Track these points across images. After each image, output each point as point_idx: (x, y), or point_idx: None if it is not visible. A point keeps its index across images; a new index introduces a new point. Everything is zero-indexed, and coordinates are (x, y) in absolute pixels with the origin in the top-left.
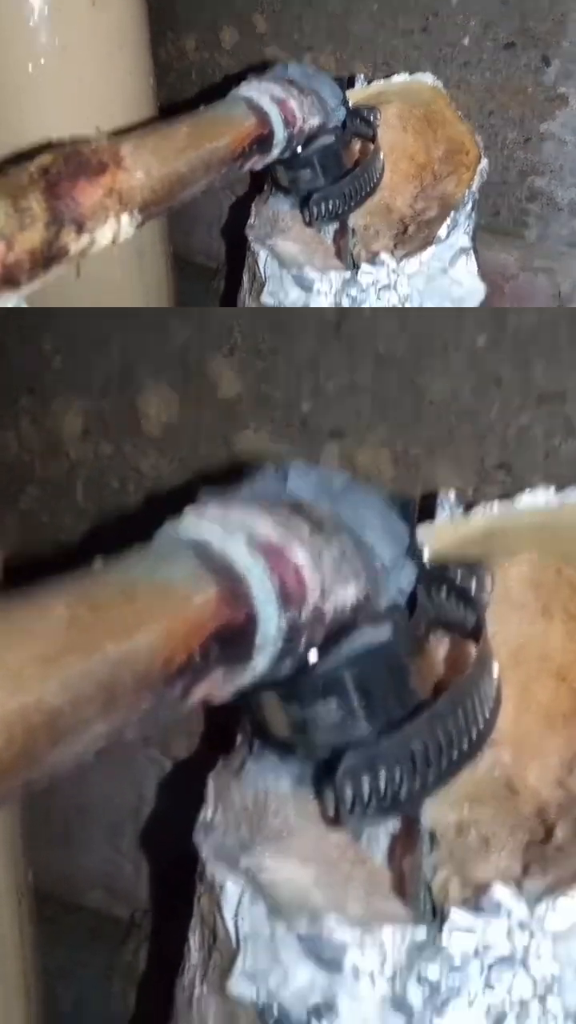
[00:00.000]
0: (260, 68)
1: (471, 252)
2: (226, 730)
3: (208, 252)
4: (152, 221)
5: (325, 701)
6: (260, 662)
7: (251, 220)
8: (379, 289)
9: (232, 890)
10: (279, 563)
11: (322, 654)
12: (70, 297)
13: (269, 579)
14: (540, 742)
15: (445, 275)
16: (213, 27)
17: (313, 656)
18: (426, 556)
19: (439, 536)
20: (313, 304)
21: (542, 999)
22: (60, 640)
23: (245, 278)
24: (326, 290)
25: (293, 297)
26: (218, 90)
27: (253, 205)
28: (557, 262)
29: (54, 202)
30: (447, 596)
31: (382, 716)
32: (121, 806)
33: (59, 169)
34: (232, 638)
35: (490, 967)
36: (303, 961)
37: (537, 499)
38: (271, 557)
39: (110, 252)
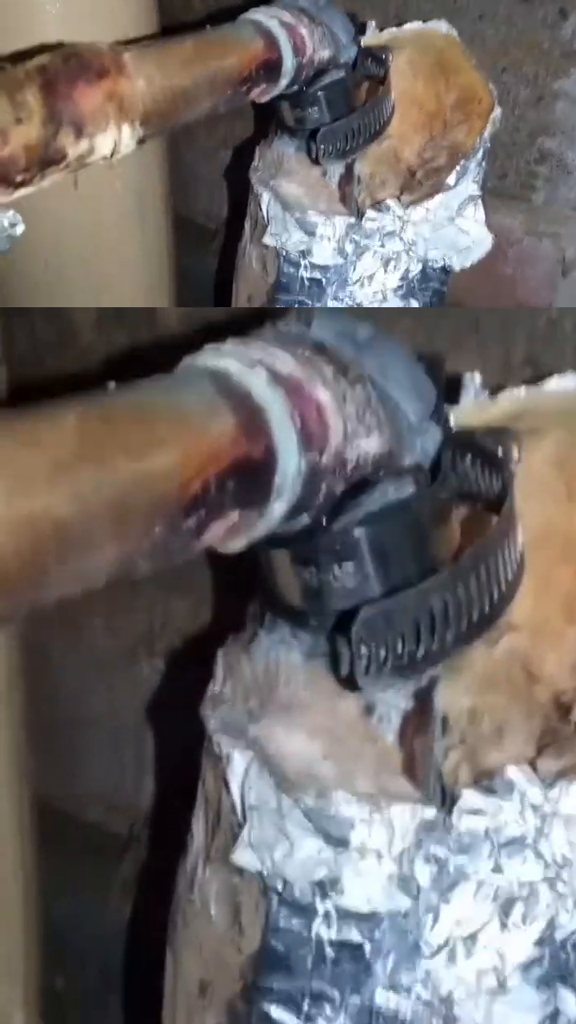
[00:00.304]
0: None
1: (479, 201)
2: None
3: (208, 213)
4: (154, 180)
5: (340, 564)
6: (277, 508)
7: (255, 163)
8: (384, 235)
9: (239, 760)
10: (300, 400)
11: (340, 510)
12: (72, 252)
13: (290, 415)
14: (560, 629)
15: (452, 224)
16: None
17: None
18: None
19: (463, 418)
20: (316, 249)
21: (552, 883)
22: (71, 449)
23: (247, 226)
24: (329, 235)
25: (295, 239)
26: (222, 19)
27: (257, 149)
28: (563, 227)
29: (52, 100)
30: (472, 463)
31: (399, 582)
32: (124, 718)
33: (58, 68)
34: (250, 473)
35: (500, 849)
36: (309, 835)
37: (566, 382)
38: (292, 393)
39: (118, 209)
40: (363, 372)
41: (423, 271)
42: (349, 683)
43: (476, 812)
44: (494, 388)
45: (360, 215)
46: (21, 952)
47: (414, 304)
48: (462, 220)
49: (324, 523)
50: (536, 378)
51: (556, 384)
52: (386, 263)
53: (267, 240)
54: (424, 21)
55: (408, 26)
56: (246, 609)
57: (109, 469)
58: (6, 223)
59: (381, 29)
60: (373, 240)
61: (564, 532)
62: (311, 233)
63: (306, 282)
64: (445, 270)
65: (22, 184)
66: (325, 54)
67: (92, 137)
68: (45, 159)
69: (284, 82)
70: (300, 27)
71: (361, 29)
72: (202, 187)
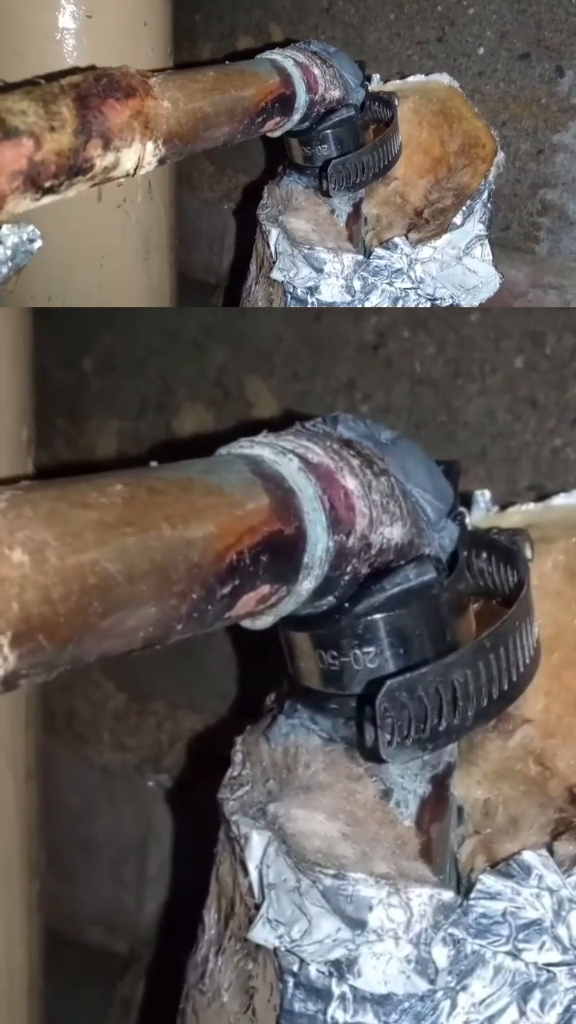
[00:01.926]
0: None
1: (486, 241)
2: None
3: (208, 267)
4: (159, 227)
5: (361, 649)
6: (306, 585)
7: (263, 200)
8: (392, 273)
9: (257, 840)
10: (330, 486)
11: (363, 594)
12: (77, 284)
13: (320, 499)
14: (571, 726)
15: (460, 263)
16: (230, 35)
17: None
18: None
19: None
20: (323, 285)
21: (570, 967)
22: (119, 513)
23: (252, 267)
24: (337, 272)
25: (303, 275)
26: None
27: (266, 188)
28: (568, 279)
29: (84, 112)
30: (488, 560)
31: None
32: (127, 840)
33: (90, 85)
34: (282, 549)
35: (518, 932)
36: (327, 914)
37: (572, 499)
38: (322, 479)
39: (123, 244)
40: (387, 468)
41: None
42: (373, 755)
43: (494, 895)
44: (503, 504)
45: (368, 253)
46: None
47: None
48: (469, 259)
49: (347, 606)
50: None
51: (563, 499)
52: (395, 300)
53: (275, 275)
54: (426, 75)
55: (411, 79)
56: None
57: (153, 533)
58: (25, 237)
59: (385, 81)
60: (381, 278)
61: (573, 636)
62: (319, 270)
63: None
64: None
65: (50, 190)
66: (335, 94)
67: (118, 151)
68: (74, 167)
69: (297, 117)
70: (313, 67)
71: (366, 79)
72: (203, 242)
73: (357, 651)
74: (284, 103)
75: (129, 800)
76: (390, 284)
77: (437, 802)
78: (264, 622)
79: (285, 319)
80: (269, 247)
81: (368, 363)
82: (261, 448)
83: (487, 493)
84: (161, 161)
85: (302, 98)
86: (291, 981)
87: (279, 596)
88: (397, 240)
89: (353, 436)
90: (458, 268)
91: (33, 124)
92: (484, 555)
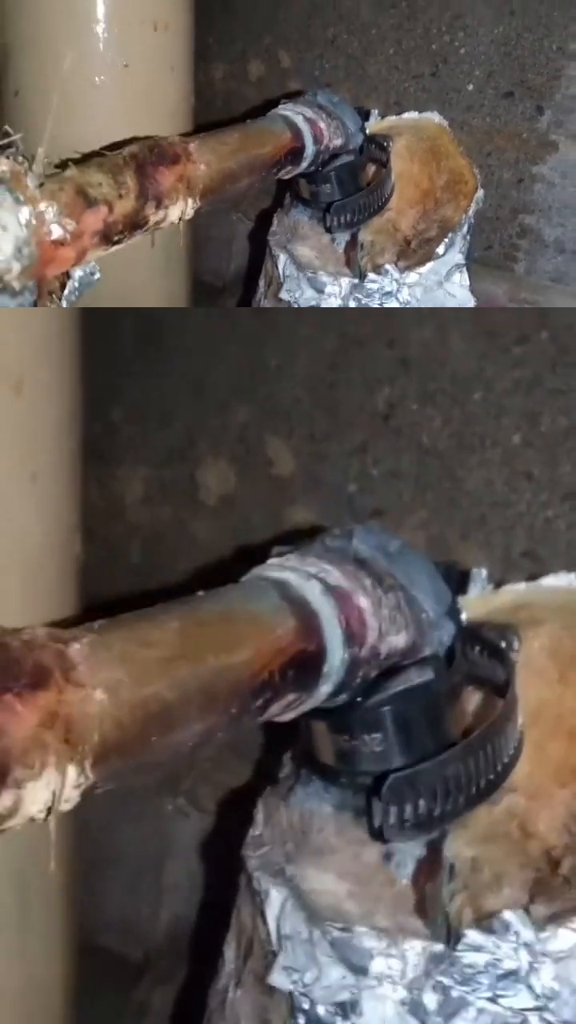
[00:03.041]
0: (290, 96)
1: (464, 268)
2: (249, 789)
3: (216, 272)
4: (176, 239)
5: (369, 734)
6: (324, 690)
7: (273, 228)
8: (383, 295)
9: (276, 896)
10: (346, 606)
11: (373, 691)
12: (105, 292)
13: (338, 618)
14: (551, 793)
15: (441, 287)
16: (242, 59)
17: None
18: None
19: (471, 607)
20: (324, 305)
21: (540, 1012)
22: (174, 648)
23: (261, 284)
24: (336, 292)
25: (307, 296)
26: (241, 120)
27: (275, 216)
28: (542, 295)
29: (142, 179)
30: (480, 653)
31: (417, 752)
32: (144, 852)
33: (145, 156)
34: (305, 664)
35: (497, 981)
36: (335, 963)
37: (560, 581)
38: (340, 601)
39: (148, 262)
40: (395, 580)
41: None
42: (378, 835)
43: (477, 948)
44: (498, 582)
45: (363, 277)
46: None
47: None
48: (449, 284)
49: (359, 700)
50: (533, 569)
51: (551, 581)
52: None
53: (283, 295)
54: (419, 111)
55: (406, 115)
56: (260, 766)
57: (202, 663)
58: (88, 271)
59: (383, 116)
60: (373, 299)
61: (556, 710)
62: (320, 291)
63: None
64: None
65: (117, 242)
66: (338, 142)
67: (167, 208)
68: (135, 224)
69: (305, 164)
70: (319, 121)
71: (366, 116)
72: (211, 248)
73: (366, 736)
74: (295, 155)
75: (148, 819)
76: (381, 304)
77: (432, 863)
78: (287, 718)
79: (302, 383)
80: (278, 269)
81: (379, 431)
82: (289, 573)
83: (483, 572)
84: (197, 211)
85: (310, 149)
86: (302, 1018)
87: (301, 700)
88: (388, 267)
89: (366, 548)
90: (439, 292)
91: (107, 193)
92: (477, 648)
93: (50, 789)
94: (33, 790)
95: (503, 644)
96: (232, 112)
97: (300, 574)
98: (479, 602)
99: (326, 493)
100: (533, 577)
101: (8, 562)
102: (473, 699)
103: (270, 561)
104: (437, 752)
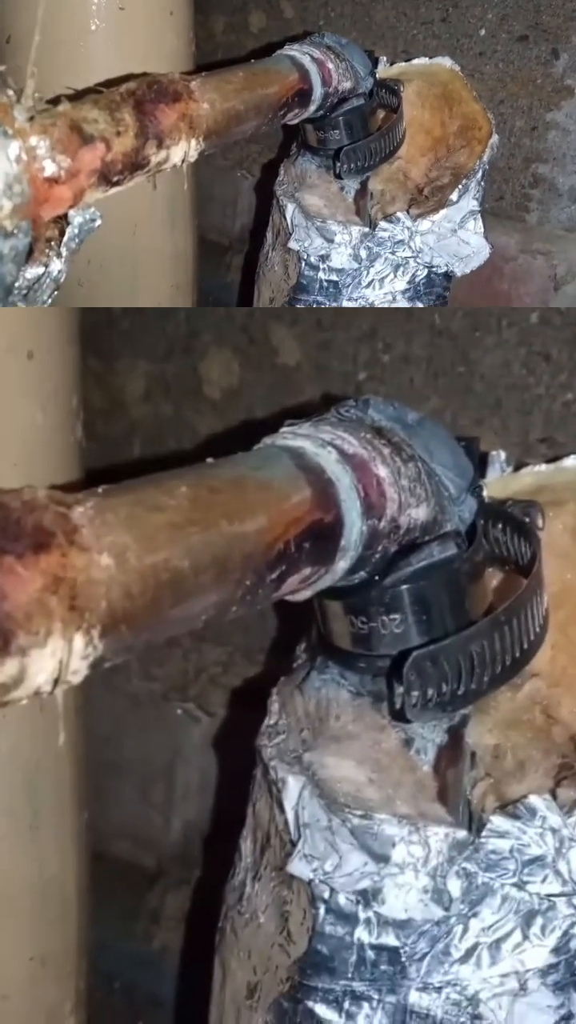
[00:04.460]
0: (294, 40)
1: (479, 215)
2: (259, 691)
3: (221, 229)
4: (182, 196)
5: (388, 615)
6: (342, 565)
7: (280, 177)
8: (394, 244)
9: (293, 784)
10: (364, 475)
11: (391, 568)
12: (113, 249)
13: (355, 488)
14: (574, 678)
15: (455, 235)
16: (242, 10)
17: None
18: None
19: (490, 491)
20: (334, 254)
21: (569, 898)
22: (184, 513)
23: (268, 235)
24: (346, 242)
25: (316, 245)
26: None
27: (282, 166)
28: (555, 245)
29: (141, 116)
30: (503, 530)
31: (439, 632)
32: (154, 758)
33: (144, 92)
34: (322, 535)
35: (523, 867)
36: (355, 850)
37: None
38: (358, 469)
39: (152, 215)
40: (415, 452)
41: (428, 276)
42: (399, 716)
43: (503, 834)
44: (517, 464)
45: (373, 226)
46: (73, 966)
47: (419, 305)
48: (464, 232)
49: (377, 579)
50: (551, 455)
51: (573, 461)
52: (396, 268)
53: (291, 244)
54: (430, 57)
55: (416, 61)
56: (270, 668)
57: (214, 530)
58: (88, 217)
59: (391, 63)
60: (385, 248)
61: None
62: (330, 240)
63: (324, 284)
64: (447, 276)
65: (116, 183)
66: (347, 85)
67: (169, 148)
68: (135, 164)
69: (313, 107)
70: (328, 62)
71: (374, 62)
72: (216, 205)
73: (384, 617)
74: (302, 97)
75: (157, 726)
76: (392, 253)
77: (453, 749)
78: (303, 596)
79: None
80: (286, 219)
81: (388, 314)
82: (303, 440)
83: (502, 454)
84: (201, 153)
85: (318, 91)
86: (323, 907)
87: (318, 575)
88: (399, 214)
89: (383, 420)
90: (453, 240)
91: (104, 130)
92: (500, 526)
93: (56, 658)
94: (39, 658)
95: (527, 520)
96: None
97: (315, 441)
98: (498, 484)
99: (334, 382)
100: (554, 459)
101: (4, 445)
102: (494, 580)
103: (282, 430)
104: (459, 631)
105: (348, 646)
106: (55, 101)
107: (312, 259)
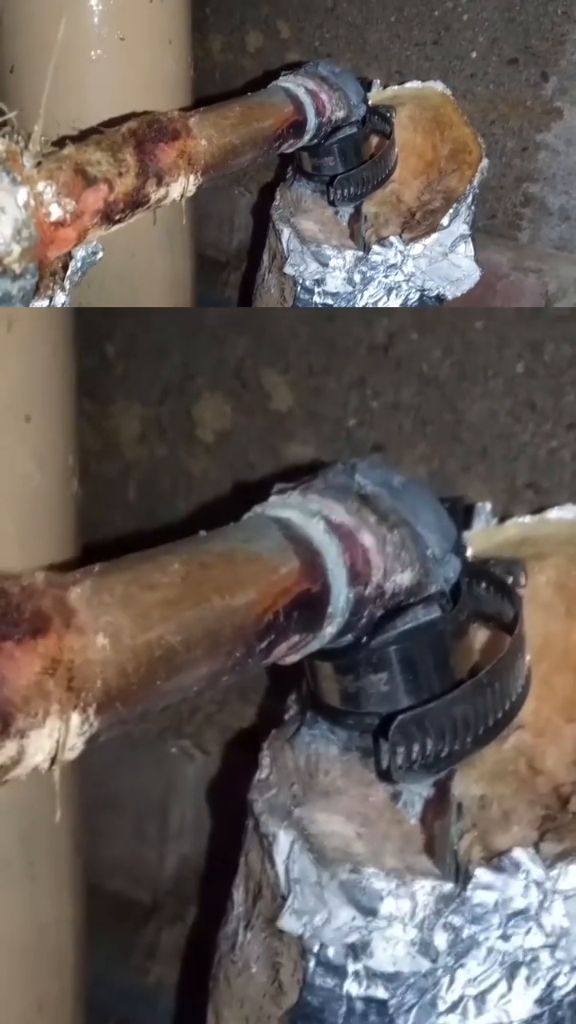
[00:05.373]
0: (289, 68)
1: (469, 239)
2: (254, 730)
3: (218, 246)
4: (178, 216)
5: (375, 674)
6: (329, 631)
7: (276, 202)
8: (387, 267)
9: (284, 839)
10: (351, 544)
11: (378, 631)
12: (112, 270)
13: (342, 557)
14: (558, 729)
15: (446, 258)
16: (240, 30)
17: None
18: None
19: (475, 542)
20: (328, 278)
21: (551, 950)
22: (177, 590)
23: (265, 257)
24: (340, 266)
25: (312, 270)
26: (239, 93)
27: (277, 190)
28: (546, 263)
29: (142, 157)
30: (487, 589)
31: (424, 691)
32: (148, 799)
33: (145, 132)
34: (310, 605)
35: (508, 919)
36: (345, 905)
37: (566, 513)
38: (344, 539)
39: (150, 239)
40: (399, 515)
41: (421, 299)
42: (386, 776)
43: (488, 887)
44: (502, 515)
45: (367, 249)
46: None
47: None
48: (454, 255)
49: (364, 640)
50: (537, 501)
51: (556, 514)
52: (389, 291)
53: (287, 270)
54: (422, 80)
55: (409, 84)
56: (264, 708)
57: (206, 605)
58: (90, 251)
59: (385, 86)
60: (378, 271)
61: (563, 644)
62: (325, 264)
63: (320, 307)
64: (439, 298)
65: (118, 221)
66: (340, 114)
67: (168, 185)
68: (136, 202)
69: (307, 137)
70: (321, 93)
71: (367, 86)
72: (213, 222)
73: (372, 676)
74: (297, 128)
75: (152, 763)
76: (386, 277)
77: (440, 802)
78: (291, 660)
79: (299, 316)
80: (281, 244)
81: (378, 363)
82: (291, 511)
83: (488, 505)
84: (199, 187)
85: (312, 122)
86: (313, 960)
87: (306, 641)
88: (392, 238)
89: (370, 484)
90: (444, 263)
91: (106, 171)
92: (483, 584)
93: (54, 738)
94: (37, 739)
95: (510, 579)
96: (230, 83)
97: (303, 512)
98: (484, 536)
99: (325, 428)
100: (538, 510)
101: (5, 506)
102: (480, 636)
103: (272, 499)
104: (444, 691)
105: (337, 703)
106: (60, 143)
107: (307, 283)
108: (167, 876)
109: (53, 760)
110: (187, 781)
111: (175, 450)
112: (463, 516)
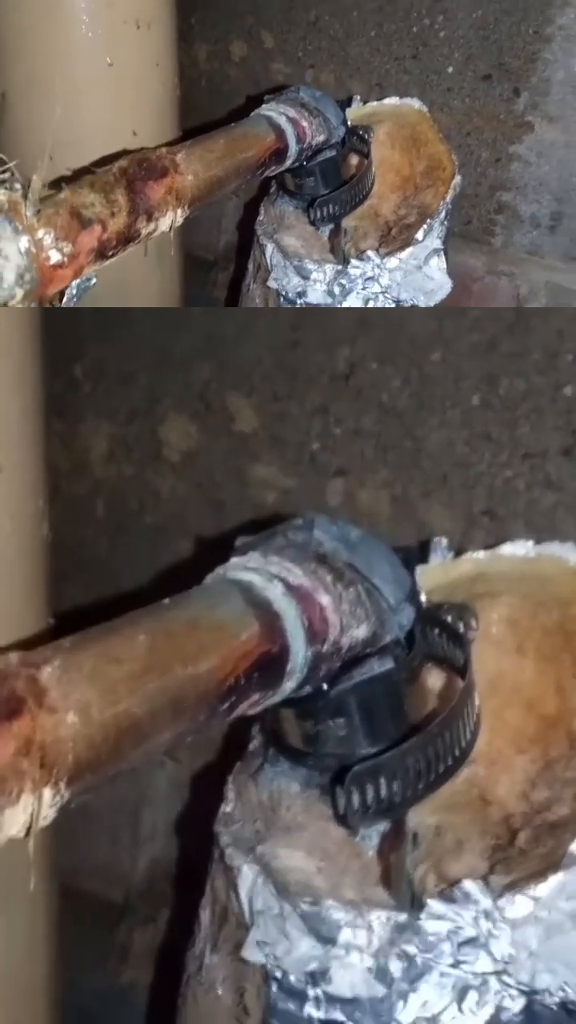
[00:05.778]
0: (266, 82)
1: (442, 253)
2: (224, 738)
3: (206, 247)
4: (168, 234)
5: (334, 719)
6: (288, 686)
7: (260, 217)
8: (365, 280)
9: (247, 873)
10: (308, 605)
11: (336, 681)
12: (101, 287)
13: (300, 618)
14: (509, 761)
15: (420, 271)
16: (224, 40)
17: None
18: (422, 598)
19: (431, 577)
20: (310, 291)
21: (499, 975)
22: (142, 662)
23: (250, 267)
24: (321, 279)
25: (294, 283)
26: (225, 101)
27: (262, 205)
28: (518, 267)
29: (133, 196)
30: (439, 634)
31: (380, 734)
32: (123, 806)
33: (135, 171)
34: (269, 665)
35: (459, 947)
36: (305, 935)
37: (517, 549)
38: (302, 601)
39: (140, 251)
40: (355, 571)
41: None
42: (344, 822)
43: (439, 917)
44: (457, 550)
45: (346, 263)
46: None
47: None
48: (428, 268)
49: (323, 689)
50: (493, 528)
51: (509, 549)
52: (366, 302)
53: (270, 283)
54: (401, 93)
55: (387, 101)
56: (236, 725)
57: (170, 675)
58: (84, 279)
59: (364, 102)
60: (356, 284)
61: (513, 680)
62: (306, 277)
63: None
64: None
65: (111, 256)
66: (321, 138)
67: (158, 220)
68: (128, 238)
69: (288, 162)
70: (302, 120)
71: (348, 101)
72: (201, 224)
73: (331, 722)
74: (279, 155)
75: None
76: (363, 288)
77: (395, 835)
78: (253, 712)
79: (264, 343)
80: (265, 258)
81: (340, 391)
82: (252, 575)
83: (443, 540)
84: (186, 217)
85: (293, 148)
86: (275, 985)
87: (266, 698)
88: (369, 252)
89: (327, 540)
90: (418, 275)
91: (100, 213)
92: (436, 631)
93: (27, 812)
94: (12, 815)
95: (461, 627)
96: (216, 91)
97: (263, 575)
98: (439, 570)
99: (288, 451)
100: (494, 538)
101: None
102: (435, 675)
103: (233, 560)
104: (399, 733)
105: (298, 745)
106: (56, 184)
107: (290, 295)
108: (140, 878)
109: (28, 831)
110: (159, 788)
111: (143, 469)
112: (419, 552)
